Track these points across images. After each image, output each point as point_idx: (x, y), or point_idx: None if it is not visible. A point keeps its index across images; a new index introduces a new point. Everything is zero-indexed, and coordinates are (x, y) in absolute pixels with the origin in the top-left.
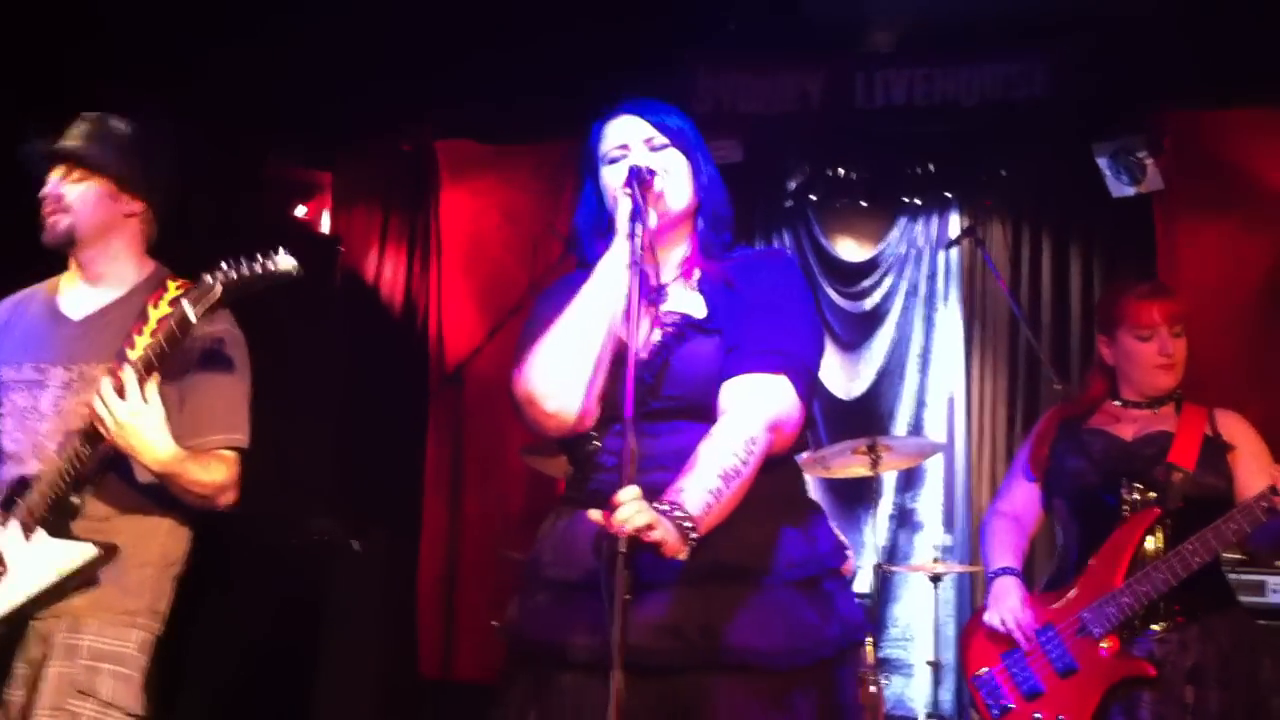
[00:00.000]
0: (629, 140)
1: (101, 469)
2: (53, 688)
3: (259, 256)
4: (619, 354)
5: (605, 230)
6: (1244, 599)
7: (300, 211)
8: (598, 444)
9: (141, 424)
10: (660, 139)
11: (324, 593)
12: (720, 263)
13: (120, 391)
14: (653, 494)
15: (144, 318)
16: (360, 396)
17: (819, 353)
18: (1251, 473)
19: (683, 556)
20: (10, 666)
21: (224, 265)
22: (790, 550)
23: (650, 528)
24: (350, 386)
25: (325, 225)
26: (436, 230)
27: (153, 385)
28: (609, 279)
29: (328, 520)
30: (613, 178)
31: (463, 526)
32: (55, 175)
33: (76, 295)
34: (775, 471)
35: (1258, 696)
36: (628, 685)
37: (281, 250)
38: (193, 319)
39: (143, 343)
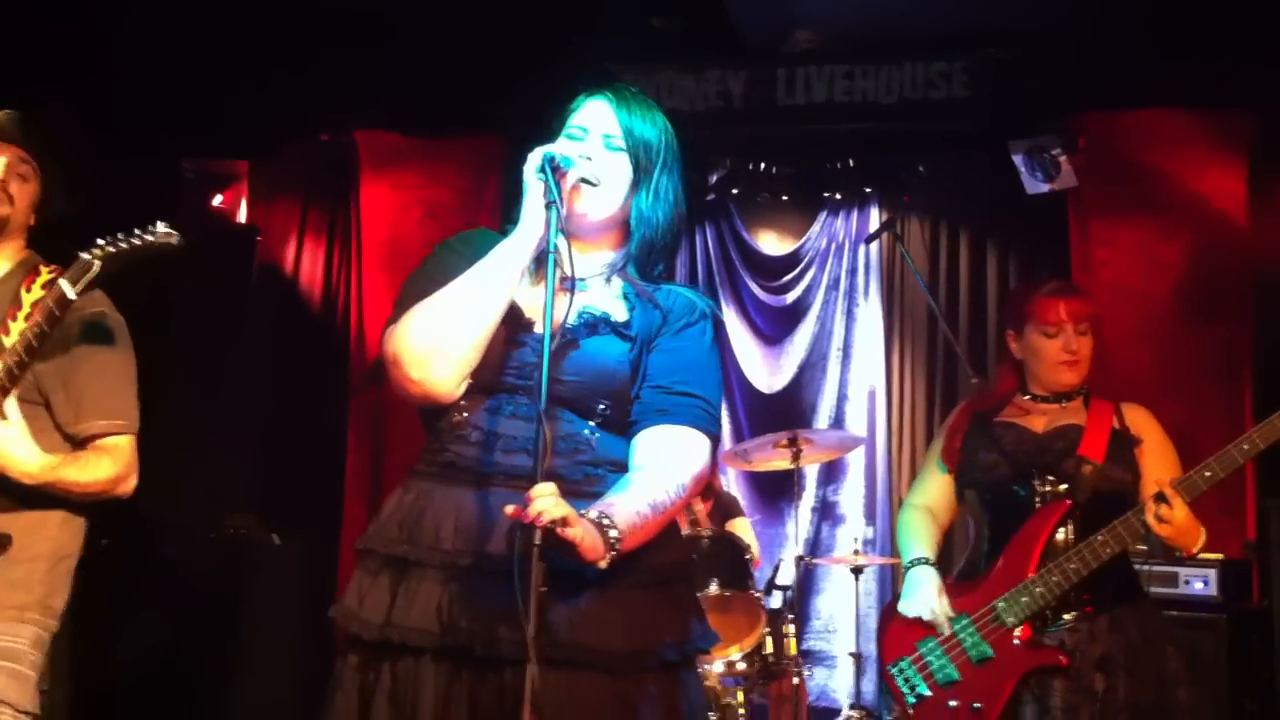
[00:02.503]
0: (591, 125)
1: None
2: None
3: (136, 229)
4: (506, 332)
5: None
6: (1156, 590)
7: (217, 201)
8: (464, 415)
9: (7, 440)
10: (618, 141)
11: (242, 589)
12: (648, 286)
13: None
14: (510, 477)
15: (17, 303)
16: (279, 390)
17: None
18: (1157, 467)
19: (603, 564)
20: None
21: (100, 240)
22: (643, 554)
23: (566, 523)
24: (269, 380)
25: (242, 216)
26: (357, 223)
27: (12, 400)
28: (509, 257)
29: (246, 516)
30: (556, 148)
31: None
32: None
33: None
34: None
35: (1164, 687)
36: (464, 675)
37: (159, 221)
38: (71, 296)
39: (17, 328)
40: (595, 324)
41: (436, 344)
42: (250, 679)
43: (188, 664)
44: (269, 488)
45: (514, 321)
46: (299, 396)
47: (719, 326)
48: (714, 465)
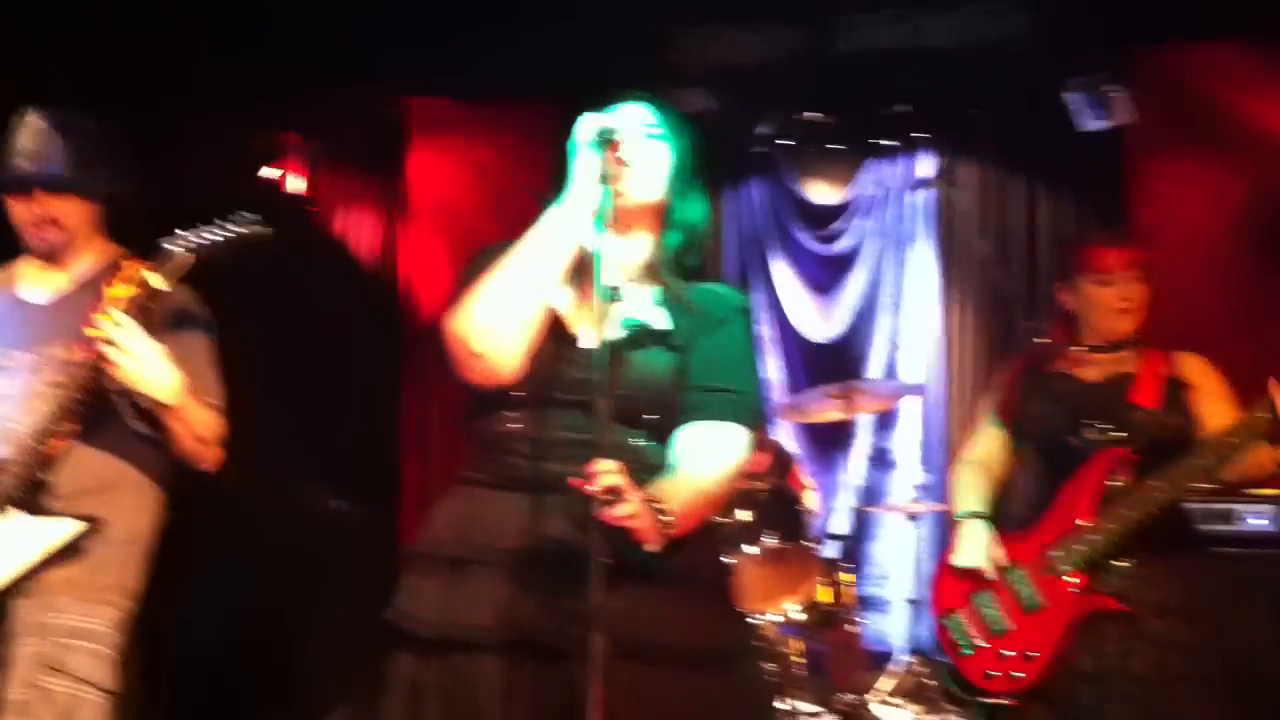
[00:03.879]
0: (625, 123)
1: (67, 447)
2: (26, 665)
3: (225, 221)
4: (551, 346)
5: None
6: (1214, 528)
7: (270, 173)
8: (513, 426)
9: (147, 357)
10: (657, 128)
11: (306, 557)
12: (680, 285)
13: (119, 328)
14: (558, 482)
15: (101, 299)
16: (333, 358)
17: None
18: (1213, 413)
19: (656, 547)
20: None
21: (186, 233)
22: (706, 549)
23: (621, 494)
24: (323, 348)
25: (295, 186)
26: (408, 189)
27: (143, 334)
28: (559, 224)
29: (306, 484)
30: (610, 120)
31: (441, 485)
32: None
33: (38, 281)
34: None
35: (1223, 632)
36: (524, 669)
37: (246, 214)
38: (165, 288)
39: (101, 320)
40: (639, 336)
41: (497, 316)
42: (317, 648)
43: (256, 636)
44: (327, 455)
45: (558, 335)
46: (353, 361)
47: (753, 318)
48: (768, 421)
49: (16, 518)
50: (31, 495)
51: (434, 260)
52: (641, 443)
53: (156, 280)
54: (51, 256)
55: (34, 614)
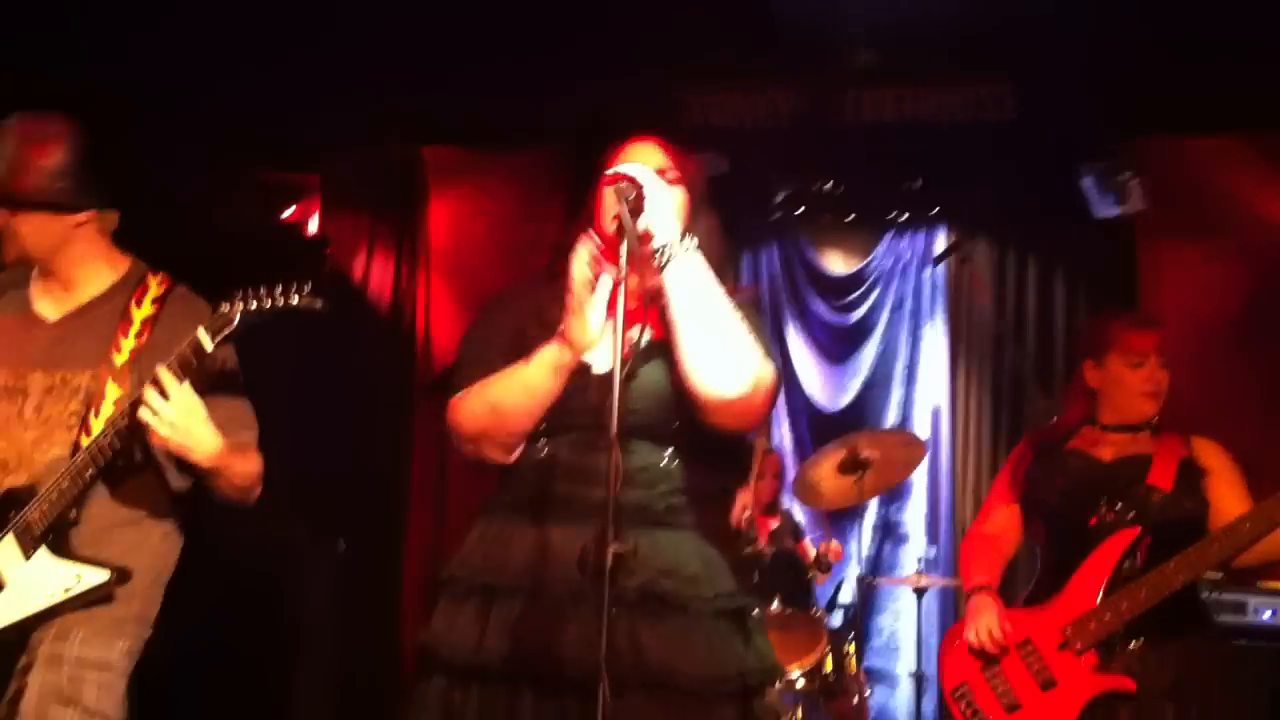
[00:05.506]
0: (642, 165)
1: (96, 481)
2: (37, 695)
3: (282, 288)
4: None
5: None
6: (1225, 619)
7: (288, 213)
8: (538, 455)
9: (192, 421)
10: (674, 173)
11: (306, 597)
12: None
13: (163, 394)
14: (587, 509)
15: (127, 318)
16: (346, 399)
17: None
18: (1227, 497)
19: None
20: (7, 681)
21: (242, 298)
22: (720, 581)
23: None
24: (336, 389)
25: (313, 227)
26: (424, 235)
27: (188, 385)
28: (553, 367)
29: (311, 524)
30: (610, 196)
31: (447, 533)
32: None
33: (50, 296)
34: (716, 502)
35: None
36: (551, 698)
37: (306, 286)
38: (208, 348)
39: (128, 345)
40: (649, 351)
41: (485, 431)
42: (316, 684)
43: (252, 671)
44: (335, 497)
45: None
46: (365, 404)
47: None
48: (780, 484)
49: (42, 557)
50: (59, 533)
51: (447, 305)
52: (672, 462)
53: (205, 340)
54: (40, 274)
55: (50, 645)
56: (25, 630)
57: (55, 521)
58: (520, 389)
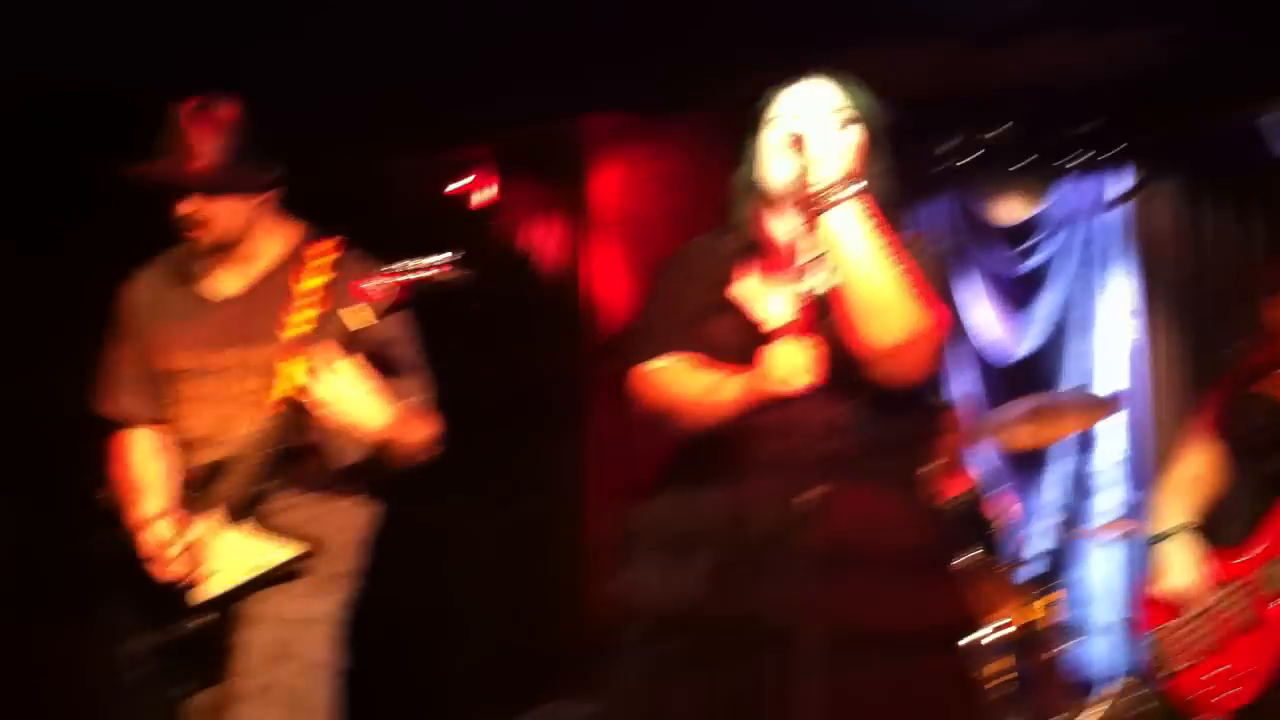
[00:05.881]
0: (812, 106)
1: (291, 452)
2: (251, 655)
3: (431, 260)
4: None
5: (757, 195)
6: None
7: (455, 186)
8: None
9: (355, 397)
10: (849, 111)
11: (486, 562)
12: None
13: (325, 371)
14: (784, 459)
15: (301, 290)
16: (517, 368)
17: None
18: None
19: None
20: (216, 650)
21: (392, 270)
22: (915, 530)
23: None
24: (509, 358)
25: (480, 199)
26: (591, 202)
27: (353, 360)
28: (738, 393)
29: (488, 490)
30: (778, 141)
31: (626, 493)
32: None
33: (224, 274)
34: (907, 451)
35: None
36: (746, 650)
37: (453, 255)
38: (371, 320)
39: (298, 318)
40: (828, 300)
41: (666, 416)
42: (495, 647)
43: (434, 634)
44: (508, 464)
45: (745, 323)
46: (537, 372)
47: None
48: (961, 437)
49: (239, 531)
50: (255, 506)
51: (616, 271)
52: (863, 408)
53: (361, 319)
54: (218, 252)
55: (264, 602)
56: (226, 603)
57: (247, 497)
58: (707, 401)
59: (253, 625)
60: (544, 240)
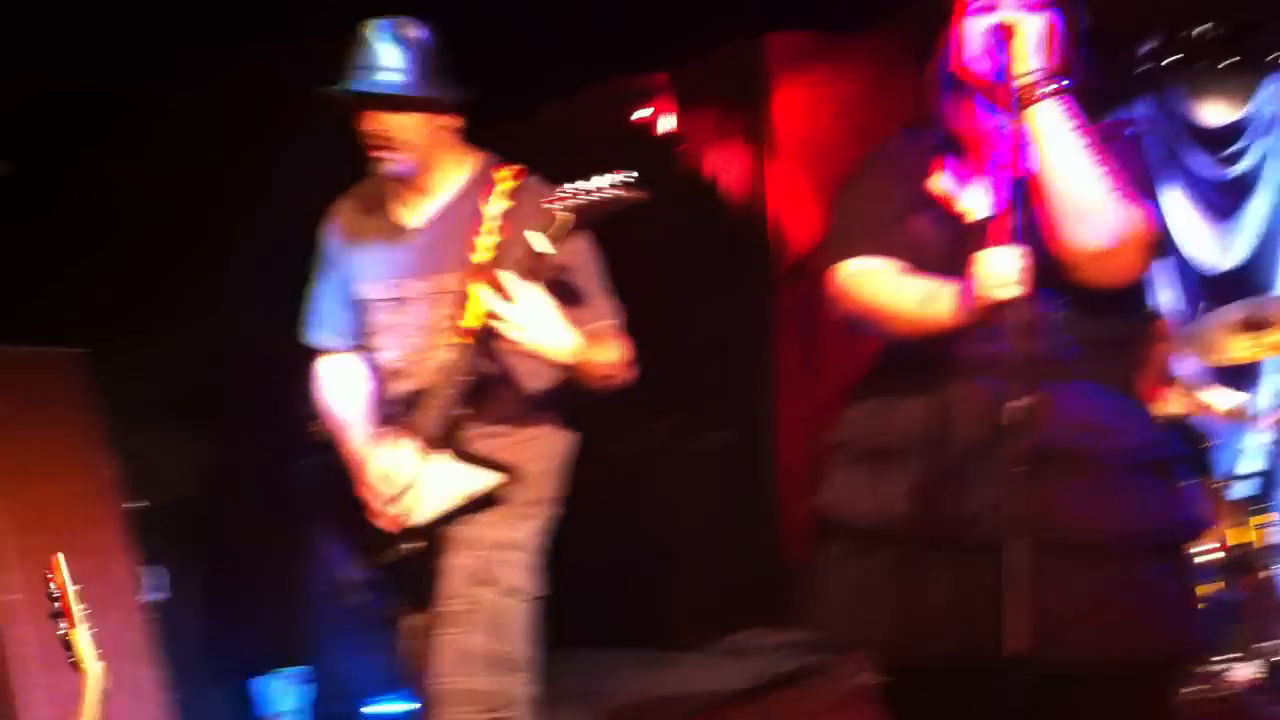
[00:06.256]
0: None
1: (485, 380)
2: (456, 578)
3: (608, 180)
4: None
5: (955, 88)
6: None
7: (639, 114)
8: None
9: (541, 321)
10: (1055, 6)
11: (678, 487)
12: None
13: (507, 296)
14: (986, 364)
15: (479, 217)
16: (706, 292)
17: None
18: None
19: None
20: (424, 574)
21: (568, 193)
22: (1137, 432)
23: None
24: (695, 283)
25: (664, 126)
26: (773, 124)
27: (537, 286)
28: (952, 305)
29: (678, 417)
30: (983, 29)
31: (819, 416)
32: (370, 112)
33: (409, 204)
34: (1122, 352)
35: None
36: (955, 560)
37: (629, 175)
38: (542, 249)
39: (483, 244)
40: (1032, 200)
41: (865, 321)
42: (690, 574)
43: (631, 562)
44: (699, 390)
45: (947, 218)
46: (724, 297)
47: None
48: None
49: (437, 459)
50: (451, 435)
51: (800, 192)
52: (1068, 309)
53: (542, 244)
54: (403, 177)
55: (463, 530)
56: (428, 532)
57: (446, 425)
58: (920, 312)
59: (456, 550)
60: (728, 166)
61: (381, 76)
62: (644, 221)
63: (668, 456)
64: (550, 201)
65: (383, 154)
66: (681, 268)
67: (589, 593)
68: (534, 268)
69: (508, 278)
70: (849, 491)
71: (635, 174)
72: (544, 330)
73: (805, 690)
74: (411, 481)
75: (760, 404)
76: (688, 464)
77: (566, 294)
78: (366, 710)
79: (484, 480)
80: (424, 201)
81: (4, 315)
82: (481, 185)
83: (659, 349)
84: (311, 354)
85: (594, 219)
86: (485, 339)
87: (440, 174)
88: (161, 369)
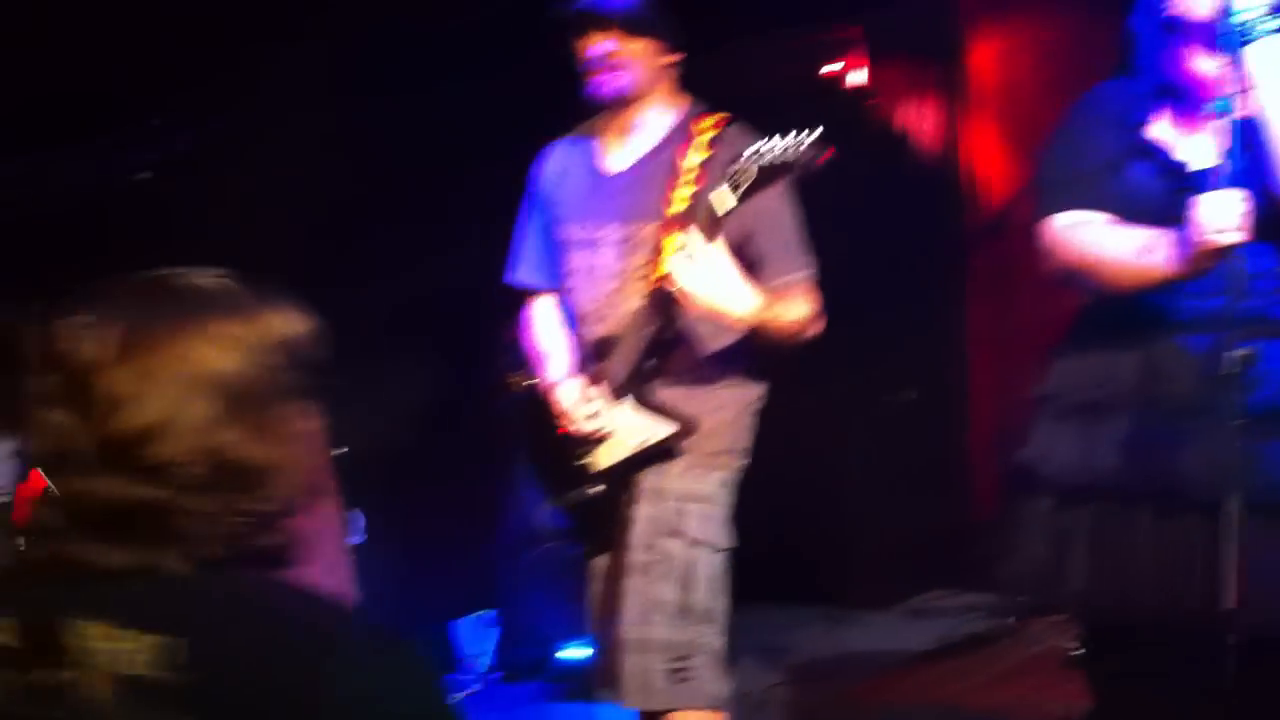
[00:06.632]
0: None
1: (672, 333)
2: (644, 528)
3: (794, 136)
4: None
5: (1169, 31)
6: None
7: (830, 69)
8: None
9: (719, 282)
10: None
11: (866, 444)
12: None
13: (690, 256)
14: (1200, 320)
15: (675, 172)
16: (898, 247)
17: None
18: None
19: None
20: (608, 519)
21: (759, 147)
22: None
23: None
24: (887, 240)
25: (854, 80)
26: (968, 76)
27: (719, 244)
28: (1173, 258)
29: (869, 372)
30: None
31: (1014, 377)
32: (598, 31)
33: (612, 147)
34: None
35: None
36: (1165, 516)
37: (814, 132)
38: (726, 205)
39: (679, 195)
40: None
41: (1080, 274)
42: (880, 532)
43: (817, 518)
44: (891, 344)
45: (1166, 164)
46: (915, 254)
47: None
48: None
49: (623, 407)
50: (639, 384)
51: (996, 147)
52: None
53: (725, 202)
54: (615, 106)
55: (650, 479)
56: (612, 476)
57: (635, 371)
58: (1137, 263)
59: (644, 500)
60: (920, 119)
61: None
62: (835, 177)
63: (859, 412)
64: (737, 160)
65: (603, 76)
66: (873, 224)
67: (772, 547)
68: (717, 226)
69: (691, 236)
70: (1055, 446)
71: (822, 130)
72: (722, 291)
73: (993, 653)
74: (600, 429)
75: (952, 361)
76: (878, 420)
77: (757, 248)
78: (560, 655)
79: (662, 430)
80: (629, 145)
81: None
82: (683, 134)
83: (851, 305)
84: (514, 298)
85: (780, 177)
86: (668, 295)
87: (649, 113)
88: (359, 315)
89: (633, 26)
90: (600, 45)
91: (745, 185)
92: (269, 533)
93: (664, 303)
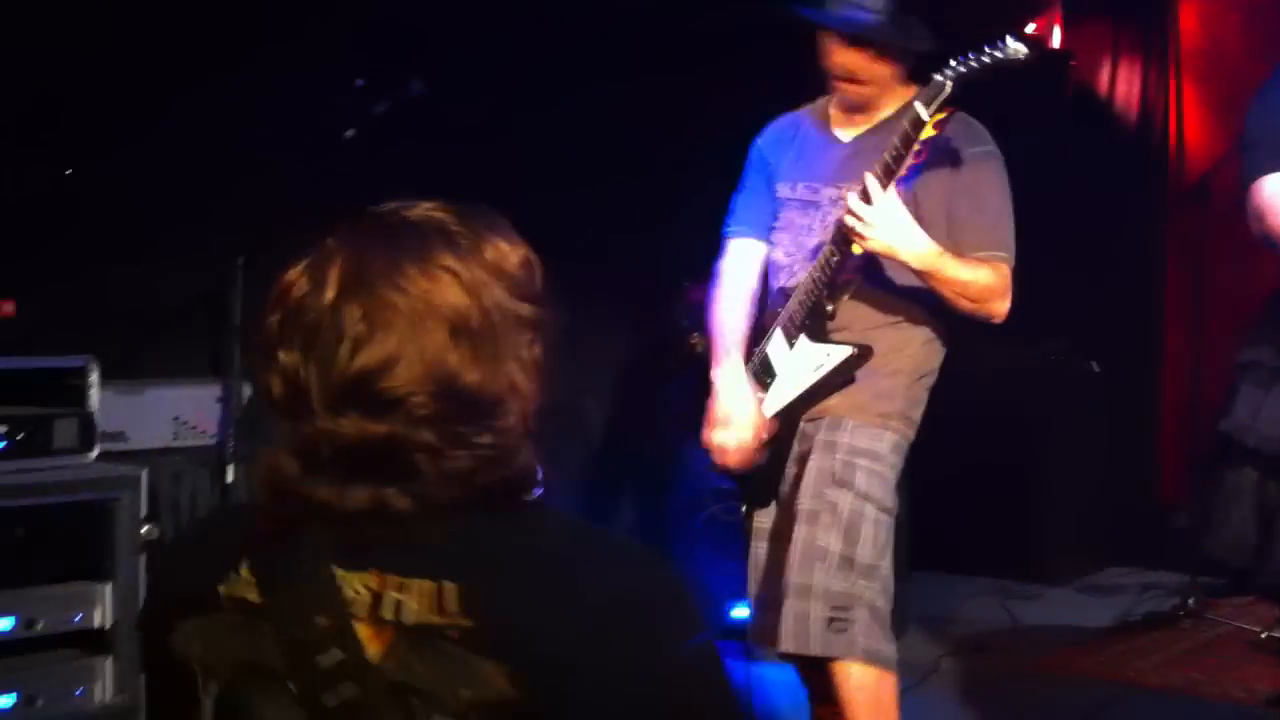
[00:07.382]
0: None
1: (858, 279)
2: (813, 479)
3: (986, 47)
4: None
5: None
6: None
7: (1031, 28)
8: None
9: (891, 222)
10: None
11: (1055, 413)
12: None
13: (866, 197)
14: None
15: (909, 138)
16: (1094, 214)
17: None
18: None
19: None
20: (784, 463)
21: (952, 62)
22: None
23: None
24: (1082, 203)
25: (1056, 40)
26: (1173, 36)
27: (892, 188)
28: None
29: (1062, 340)
30: None
31: (1208, 350)
32: (835, 39)
33: (848, 121)
34: None
35: None
36: None
37: (1009, 37)
38: (925, 118)
39: (902, 165)
40: None
41: None
42: (1056, 502)
43: (995, 485)
44: (1085, 312)
45: None
46: (1114, 218)
47: None
48: None
49: (801, 344)
50: (815, 321)
51: (1200, 109)
52: None
53: (920, 110)
54: (853, 109)
55: (823, 433)
56: (795, 417)
57: (810, 312)
58: None
59: (815, 453)
60: (1123, 81)
61: (858, 14)
62: (1037, 141)
63: (1046, 382)
64: (935, 75)
65: (845, 86)
66: (1073, 188)
67: (951, 516)
68: (913, 138)
69: (869, 179)
70: (1259, 414)
71: (1018, 38)
72: (895, 233)
73: (1175, 633)
74: (776, 368)
75: (1147, 334)
76: (1066, 391)
77: (960, 217)
78: (734, 614)
79: (840, 353)
80: (859, 119)
81: None
82: (913, 120)
83: (1047, 273)
84: (701, 269)
85: (977, 80)
86: (847, 238)
87: (880, 101)
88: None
89: (879, 47)
90: (840, 58)
91: (939, 97)
92: (504, 466)
93: (843, 241)
